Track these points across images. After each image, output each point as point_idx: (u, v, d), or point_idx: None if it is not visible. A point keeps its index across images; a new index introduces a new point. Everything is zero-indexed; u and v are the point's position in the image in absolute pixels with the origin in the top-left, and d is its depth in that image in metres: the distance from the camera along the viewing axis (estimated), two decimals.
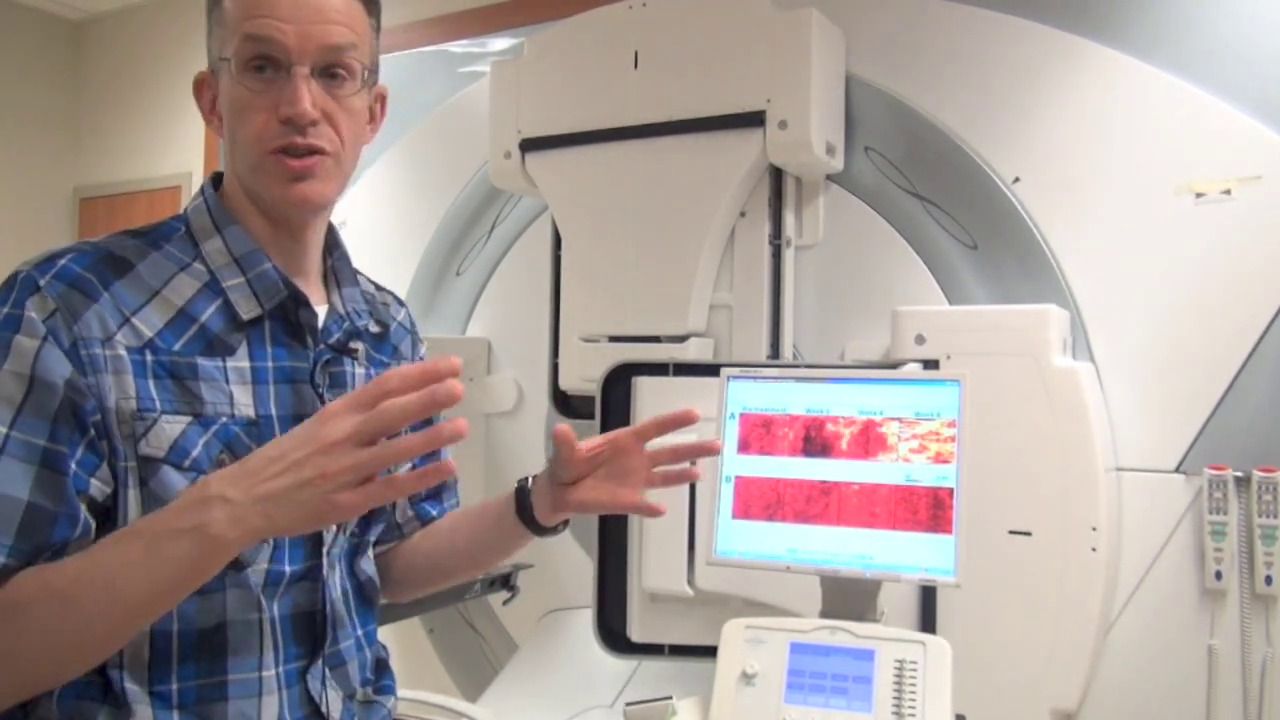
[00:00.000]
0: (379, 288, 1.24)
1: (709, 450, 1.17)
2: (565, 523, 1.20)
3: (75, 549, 0.89)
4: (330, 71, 1.00)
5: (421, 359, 1.26)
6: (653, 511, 1.14)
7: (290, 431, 0.84)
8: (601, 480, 1.13)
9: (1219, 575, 1.85)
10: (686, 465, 1.16)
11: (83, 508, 0.89)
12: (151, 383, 0.93)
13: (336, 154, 1.01)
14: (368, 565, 1.15)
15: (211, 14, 1.01)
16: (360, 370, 1.11)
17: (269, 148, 0.98)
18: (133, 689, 0.92)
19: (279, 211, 1.02)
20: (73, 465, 0.89)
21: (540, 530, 1.18)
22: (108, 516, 0.93)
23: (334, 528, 1.05)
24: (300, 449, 0.81)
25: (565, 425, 1.10)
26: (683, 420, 1.12)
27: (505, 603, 2.46)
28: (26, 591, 0.85)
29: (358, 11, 1.03)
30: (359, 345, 1.11)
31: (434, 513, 1.27)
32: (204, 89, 1.04)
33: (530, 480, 1.19)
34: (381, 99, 1.11)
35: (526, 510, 1.17)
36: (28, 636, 0.85)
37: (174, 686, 0.94)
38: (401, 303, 1.26)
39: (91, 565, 0.85)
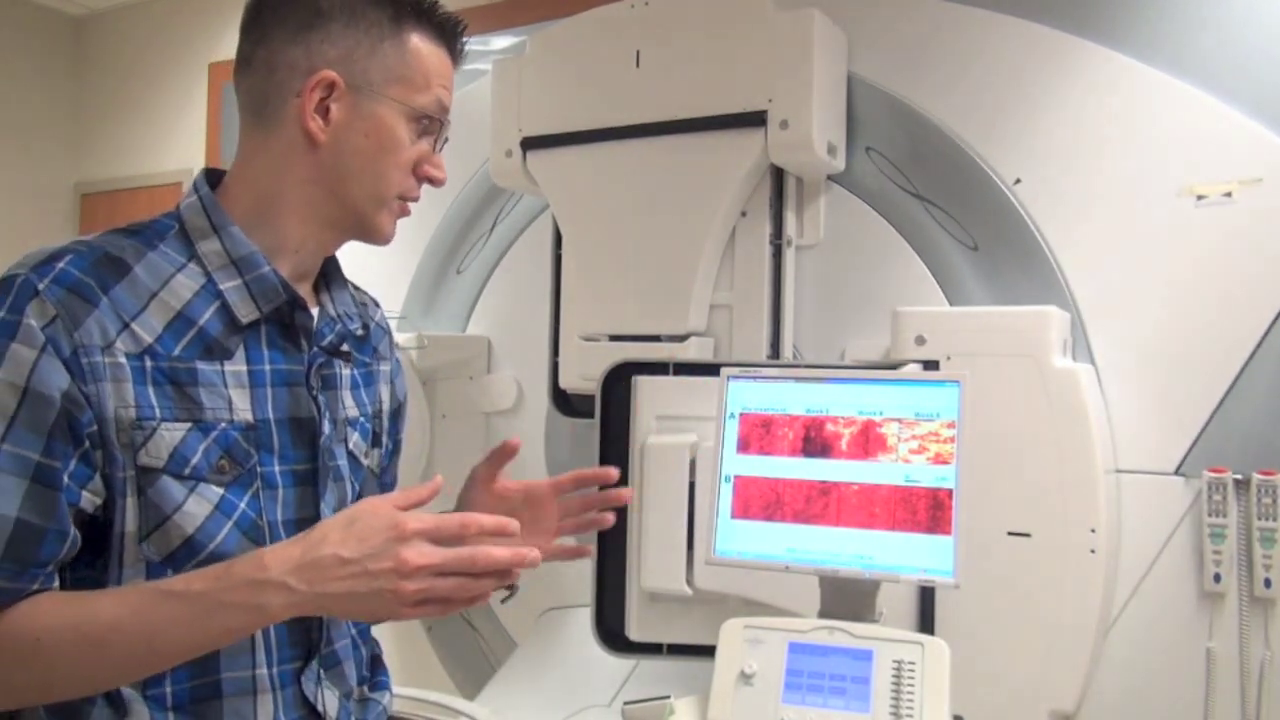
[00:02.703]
0: (356, 289, 1.24)
1: (619, 500, 1.23)
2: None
3: (61, 565, 0.90)
4: None
5: (396, 360, 1.27)
6: (574, 555, 1.21)
7: (354, 525, 0.86)
8: None
9: (1218, 578, 1.85)
10: (596, 513, 1.22)
11: (71, 521, 0.89)
12: (151, 389, 0.92)
13: None
14: None
15: (371, 28, 1.02)
16: (347, 371, 1.11)
17: (401, 193, 1.06)
18: (128, 691, 0.93)
19: (363, 238, 1.08)
20: (65, 479, 0.88)
21: None
22: (94, 524, 0.92)
23: None
24: (377, 560, 0.84)
25: (515, 439, 1.19)
26: (602, 478, 1.22)
27: (503, 601, 2.43)
28: (52, 631, 0.85)
29: None
30: (350, 348, 1.12)
31: None
32: (318, 89, 1.00)
33: None
34: None
35: None
36: (58, 673, 0.87)
37: (168, 689, 0.94)
38: (377, 304, 1.27)
39: (131, 616, 0.85)
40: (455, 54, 1.09)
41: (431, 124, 1.06)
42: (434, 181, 1.08)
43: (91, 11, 3.97)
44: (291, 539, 0.88)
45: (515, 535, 0.89)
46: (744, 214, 2.25)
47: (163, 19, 3.77)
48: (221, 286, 0.99)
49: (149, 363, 0.93)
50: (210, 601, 0.85)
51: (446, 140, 1.09)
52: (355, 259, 1.27)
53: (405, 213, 1.09)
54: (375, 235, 1.08)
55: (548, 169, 2.38)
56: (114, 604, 0.87)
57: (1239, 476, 1.85)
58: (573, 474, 1.21)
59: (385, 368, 1.22)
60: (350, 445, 1.10)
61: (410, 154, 1.05)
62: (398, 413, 1.26)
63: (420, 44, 1.04)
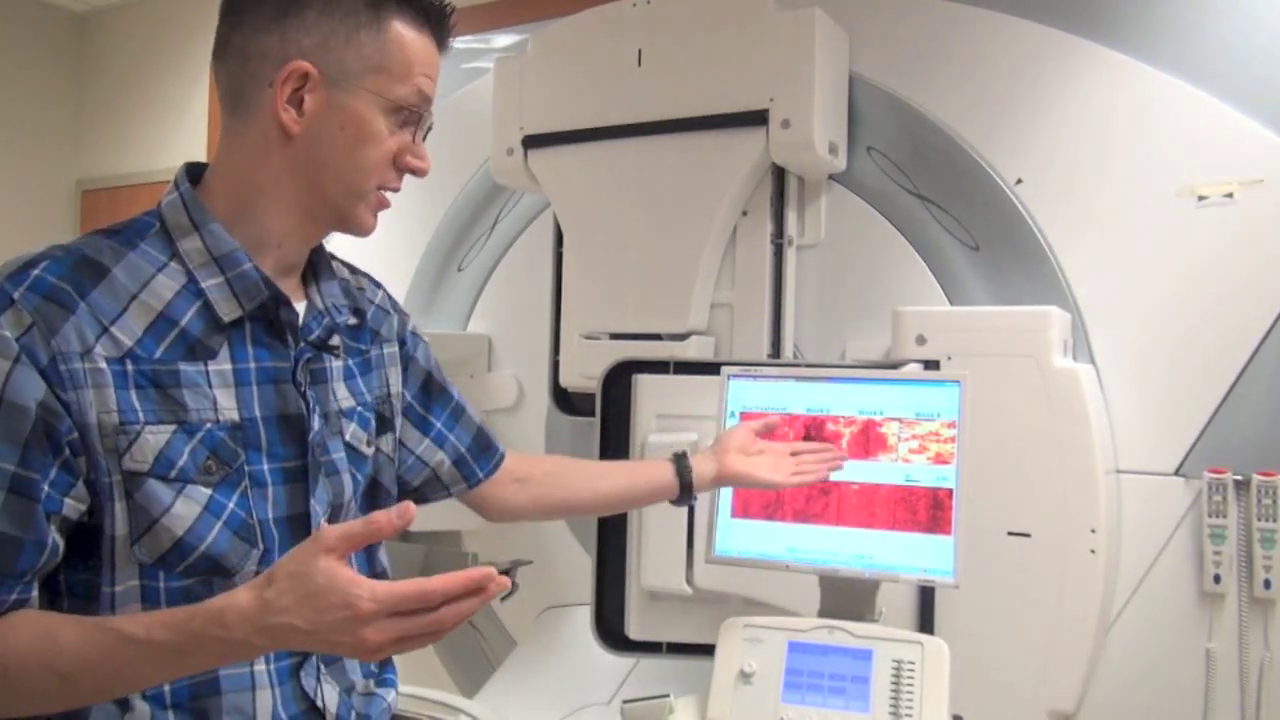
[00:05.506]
0: (354, 270, 1.21)
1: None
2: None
3: (40, 574, 0.89)
4: None
5: (412, 332, 1.25)
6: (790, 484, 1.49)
7: (311, 598, 0.81)
8: (756, 463, 1.48)
9: (1217, 578, 1.85)
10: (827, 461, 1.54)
11: (52, 531, 0.88)
12: (133, 393, 0.91)
13: None
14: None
15: (348, 15, 0.98)
16: (339, 364, 1.10)
17: (381, 183, 1.04)
18: None
19: (344, 229, 1.06)
20: (45, 488, 0.87)
21: (689, 498, 1.46)
22: (83, 529, 0.91)
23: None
24: (335, 634, 0.81)
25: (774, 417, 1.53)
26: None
27: (504, 599, 2.45)
28: (20, 659, 0.85)
29: None
30: (339, 341, 1.10)
31: (481, 474, 1.30)
32: (291, 80, 0.97)
33: (685, 455, 1.45)
34: None
35: (685, 480, 1.43)
36: (24, 699, 0.87)
37: (166, 687, 0.94)
38: (378, 284, 1.23)
39: (99, 656, 0.84)
40: (441, 41, 1.05)
41: (412, 114, 1.02)
42: (416, 172, 1.05)
43: (93, 8, 3.97)
44: (251, 585, 0.83)
45: (487, 590, 0.83)
46: (745, 213, 2.25)
47: (165, 15, 3.77)
48: (203, 285, 0.97)
49: (130, 366, 0.91)
50: (178, 650, 0.83)
51: (430, 128, 1.07)
52: (355, 258, 1.26)
53: (384, 204, 1.06)
54: (354, 228, 1.06)
55: (549, 167, 2.38)
56: (81, 642, 0.85)
57: (1239, 477, 1.85)
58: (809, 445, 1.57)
59: (390, 350, 1.19)
60: (348, 437, 1.09)
61: (388, 145, 1.02)
62: (429, 382, 1.25)
63: (402, 31, 1.00)
